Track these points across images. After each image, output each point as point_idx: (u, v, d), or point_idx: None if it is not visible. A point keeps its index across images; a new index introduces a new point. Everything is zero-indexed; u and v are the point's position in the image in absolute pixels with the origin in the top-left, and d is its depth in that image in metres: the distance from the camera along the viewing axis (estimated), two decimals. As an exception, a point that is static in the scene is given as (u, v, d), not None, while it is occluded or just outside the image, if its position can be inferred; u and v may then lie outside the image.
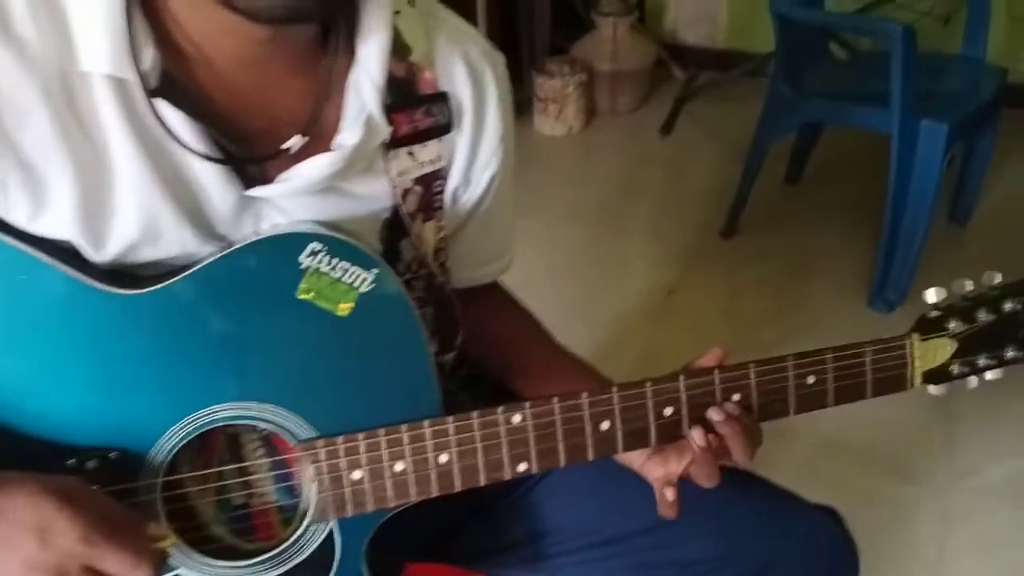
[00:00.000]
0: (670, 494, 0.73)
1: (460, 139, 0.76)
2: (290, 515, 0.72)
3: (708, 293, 2.16)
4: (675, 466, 0.73)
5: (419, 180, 0.75)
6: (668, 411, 0.72)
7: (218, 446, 0.70)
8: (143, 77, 0.58)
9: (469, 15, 2.62)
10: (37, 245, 0.61)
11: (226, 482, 0.71)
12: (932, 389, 0.76)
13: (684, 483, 0.79)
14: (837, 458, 1.67)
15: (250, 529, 0.71)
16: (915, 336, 0.73)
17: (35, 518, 0.56)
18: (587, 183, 2.64)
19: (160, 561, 0.60)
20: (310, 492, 0.68)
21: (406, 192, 0.74)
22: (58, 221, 0.61)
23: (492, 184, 0.80)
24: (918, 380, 0.75)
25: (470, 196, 0.80)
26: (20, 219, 0.60)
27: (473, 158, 0.77)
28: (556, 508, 0.85)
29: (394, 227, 0.75)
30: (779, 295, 2.10)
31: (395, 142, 0.71)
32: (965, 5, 2.16)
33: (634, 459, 0.77)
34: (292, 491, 0.72)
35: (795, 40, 2.07)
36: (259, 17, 0.55)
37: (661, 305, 2.11)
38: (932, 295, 0.74)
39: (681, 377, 0.72)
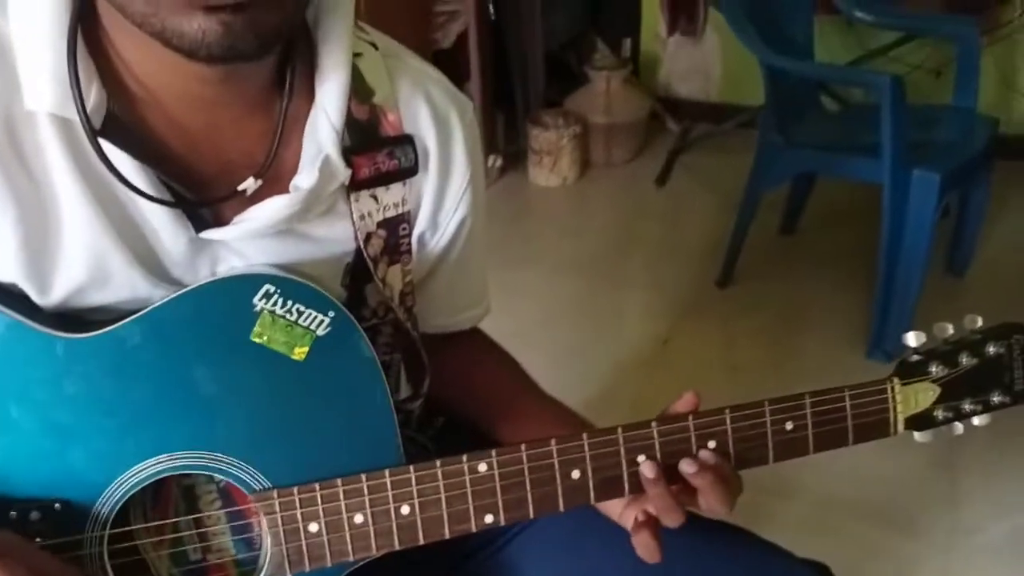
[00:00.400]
0: (645, 537, 0.69)
1: (426, 182, 0.75)
2: (248, 570, 0.69)
3: (703, 342, 2.13)
4: (652, 507, 0.70)
5: (383, 224, 0.73)
6: (641, 458, 0.69)
7: (172, 497, 0.68)
8: (87, 117, 0.57)
9: (463, 68, 2.65)
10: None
11: (181, 534, 0.68)
12: (917, 436, 0.73)
13: (665, 536, 0.75)
14: (839, 513, 1.62)
15: (206, 584, 0.68)
16: (896, 380, 0.71)
17: None
18: (582, 234, 2.64)
19: None
20: (266, 544, 0.65)
21: (369, 235, 0.73)
22: (1, 264, 0.59)
23: (462, 229, 0.78)
24: (901, 426, 0.72)
25: (438, 241, 0.78)
26: None
27: (440, 202, 0.76)
28: (535, 563, 0.81)
29: (357, 271, 0.74)
30: (776, 345, 2.07)
31: (356, 184, 0.70)
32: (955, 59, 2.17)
33: (612, 509, 0.74)
34: (250, 545, 0.69)
35: (785, 92, 2.08)
36: (197, 56, 0.53)
37: (656, 354, 2.08)
38: (912, 339, 0.71)
39: (654, 423, 0.70)
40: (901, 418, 0.71)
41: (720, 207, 2.62)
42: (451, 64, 2.60)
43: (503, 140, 2.92)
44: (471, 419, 0.85)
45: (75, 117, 0.57)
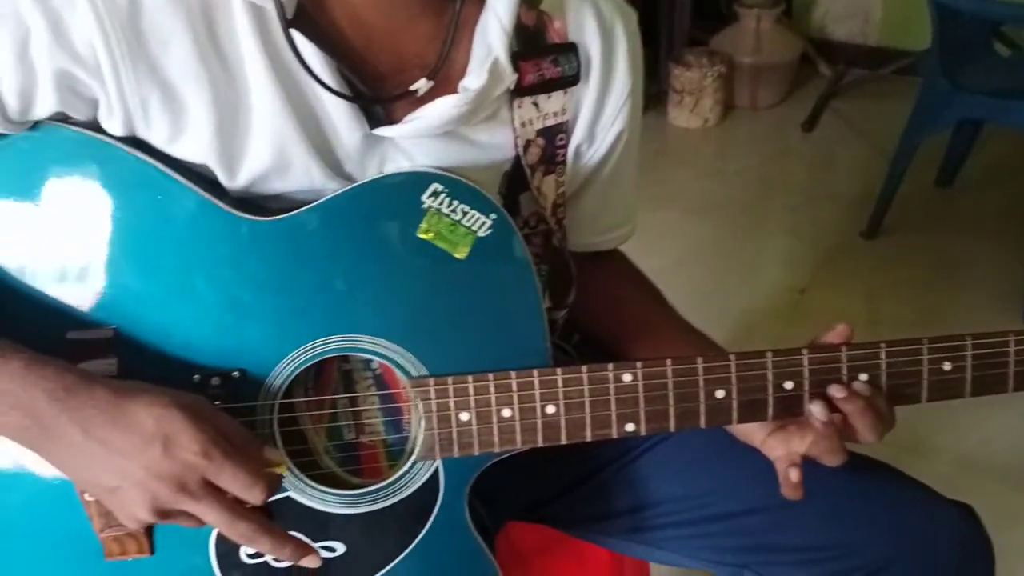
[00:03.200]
0: (794, 475, 0.69)
1: (586, 93, 0.75)
2: (396, 458, 0.73)
3: (843, 294, 2.05)
4: (798, 445, 0.70)
5: (542, 132, 0.74)
6: (789, 384, 0.69)
7: (332, 380, 0.72)
8: (281, 6, 0.60)
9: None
10: (174, 167, 0.64)
11: (338, 411, 0.72)
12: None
13: (806, 464, 0.75)
14: (974, 475, 1.55)
15: (357, 463, 0.73)
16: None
17: (162, 428, 0.58)
18: (721, 176, 2.57)
19: (274, 485, 0.61)
20: (418, 429, 0.69)
21: (528, 143, 0.74)
22: (195, 145, 0.63)
23: (618, 143, 0.78)
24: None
25: (594, 154, 0.78)
26: (159, 141, 0.63)
27: (599, 113, 0.76)
28: (664, 480, 0.82)
29: (514, 179, 0.75)
30: (922, 301, 1.97)
31: (520, 91, 0.71)
32: None
33: (754, 435, 0.74)
34: (400, 431, 0.73)
35: (956, 33, 1.94)
36: None
37: (792, 304, 2.03)
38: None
39: (804, 351, 0.69)
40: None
41: (871, 156, 2.50)
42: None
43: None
44: (608, 337, 0.86)
45: (269, 5, 0.60)
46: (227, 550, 0.69)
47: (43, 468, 0.65)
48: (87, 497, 0.65)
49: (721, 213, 2.36)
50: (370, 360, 0.72)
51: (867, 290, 2.05)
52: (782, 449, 0.70)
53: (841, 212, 2.30)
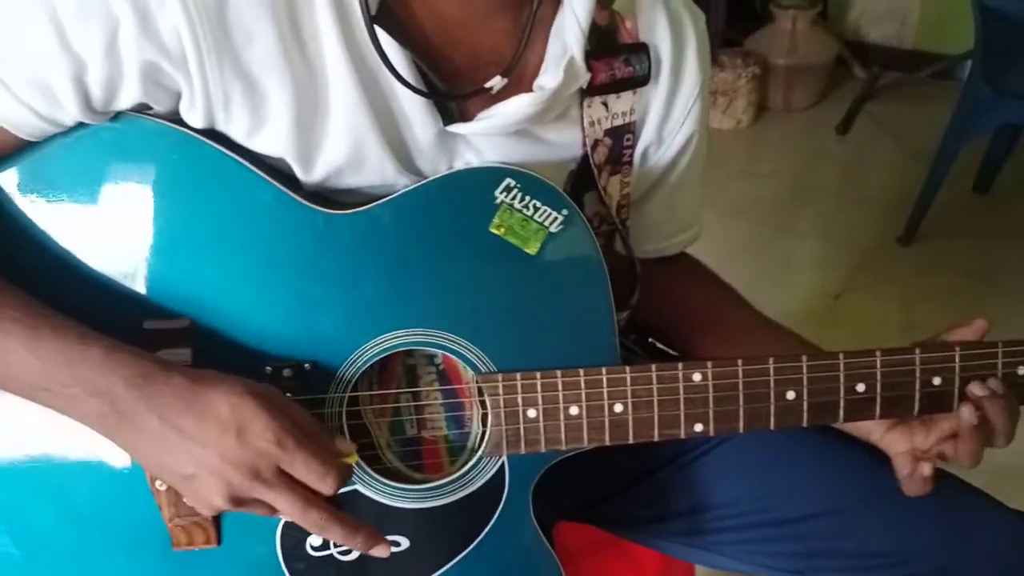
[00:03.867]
0: (927, 469, 0.69)
1: (655, 94, 0.75)
2: (457, 453, 0.74)
3: (878, 300, 2.04)
4: (922, 441, 0.70)
5: (610, 132, 0.74)
6: (860, 387, 0.68)
7: (396, 374, 0.72)
8: (365, 2, 0.60)
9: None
10: (252, 161, 0.64)
11: (400, 405, 0.73)
12: None
13: (860, 470, 0.75)
14: (1012, 484, 1.54)
15: (418, 457, 0.73)
16: None
17: (237, 416, 0.58)
18: (754, 178, 2.55)
19: (346, 475, 0.62)
20: (486, 425, 0.69)
21: (596, 143, 0.74)
22: (274, 139, 0.64)
23: (687, 146, 0.78)
24: None
25: (661, 157, 0.78)
26: (239, 134, 0.64)
27: (668, 114, 0.76)
28: (723, 483, 0.82)
29: (581, 178, 0.75)
30: (959, 308, 1.95)
31: (591, 90, 0.71)
32: None
33: (872, 430, 0.74)
34: (462, 427, 0.73)
35: (999, 36, 1.92)
36: None
37: (826, 309, 2.01)
38: None
39: (877, 352, 0.68)
40: None
41: (907, 160, 2.48)
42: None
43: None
44: (675, 335, 0.85)
45: (354, 2, 0.60)
46: (293, 542, 0.69)
47: (113, 457, 0.66)
48: (158, 486, 0.66)
49: (754, 215, 2.34)
50: (434, 355, 0.72)
51: (903, 295, 2.03)
52: (904, 445, 0.71)
53: (876, 216, 2.29)
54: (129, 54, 0.58)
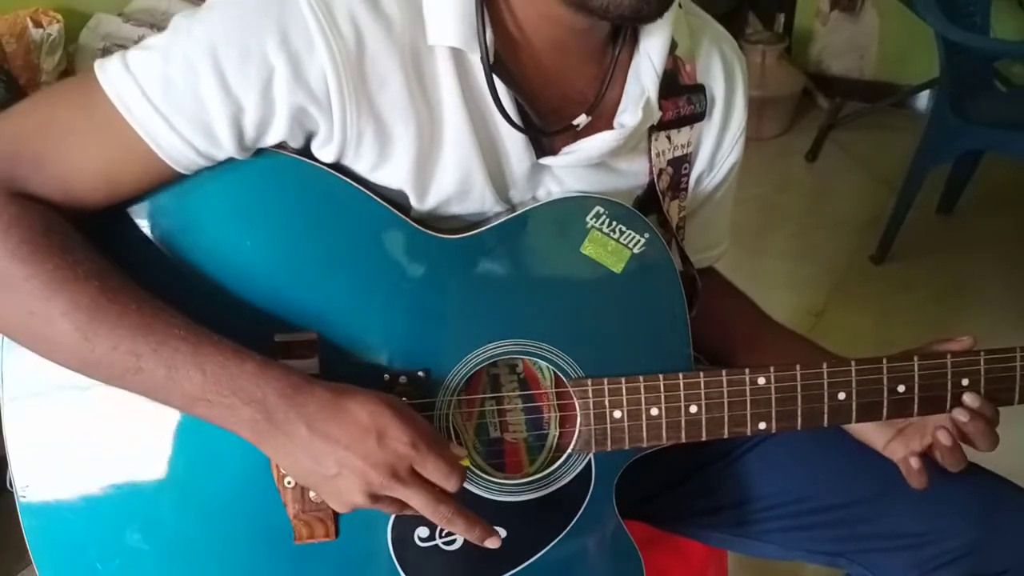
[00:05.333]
0: (915, 463, 0.78)
1: (708, 128, 0.84)
2: (535, 454, 0.81)
3: (858, 316, 2.16)
4: (916, 444, 0.79)
5: (671, 162, 0.83)
6: (901, 388, 0.78)
7: (482, 383, 0.80)
8: (487, 54, 0.68)
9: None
10: (374, 192, 0.72)
11: (486, 409, 0.80)
12: None
13: (886, 462, 0.83)
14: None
15: (501, 457, 0.80)
16: None
17: (375, 422, 0.65)
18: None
19: (464, 475, 0.68)
20: (563, 427, 0.76)
21: (660, 172, 0.83)
22: (395, 173, 0.71)
23: (731, 171, 0.88)
24: None
25: (711, 181, 0.88)
26: (364, 169, 0.71)
27: (719, 145, 0.86)
28: (768, 476, 0.90)
29: (645, 203, 0.84)
30: (932, 323, 2.09)
31: (659, 125, 0.80)
32: None
33: (876, 440, 0.83)
34: (539, 429, 0.81)
35: (961, 69, 2.07)
36: (607, 15, 0.64)
37: (809, 326, 2.13)
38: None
39: (915, 357, 0.78)
40: None
41: (872, 184, 2.63)
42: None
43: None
44: (715, 348, 0.94)
45: (475, 51, 0.68)
46: (402, 534, 0.76)
47: (240, 459, 0.72)
48: (286, 483, 0.72)
49: (734, 240, 2.45)
50: (516, 364, 0.80)
51: (880, 311, 2.16)
52: (902, 452, 0.80)
53: (848, 238, 2.43)
54: (281, 98, 0.65)
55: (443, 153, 0.72)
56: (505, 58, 0.72)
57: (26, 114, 0.67)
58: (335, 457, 0.65)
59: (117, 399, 0.70)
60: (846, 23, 3.15)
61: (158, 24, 1.75)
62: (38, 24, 1.61)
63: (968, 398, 0.77)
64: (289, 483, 0.72)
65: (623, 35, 0.76)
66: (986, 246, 2.34)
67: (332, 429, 0.65)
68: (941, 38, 2.02)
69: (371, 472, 0.65)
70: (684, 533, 0.97)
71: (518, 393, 0.81)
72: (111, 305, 0.64)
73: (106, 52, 1.69)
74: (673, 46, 0.79)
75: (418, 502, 0.67)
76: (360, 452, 0.65)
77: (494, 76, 0.69)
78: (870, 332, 2.11)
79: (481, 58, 0.68)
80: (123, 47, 1.85)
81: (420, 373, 0.73)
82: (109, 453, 0.72)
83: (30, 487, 0.71)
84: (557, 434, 0.81)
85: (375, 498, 0.66)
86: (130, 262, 0.67)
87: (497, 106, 0.70)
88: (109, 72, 0.65)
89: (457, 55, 0.69)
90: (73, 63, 1.70)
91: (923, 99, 3.07)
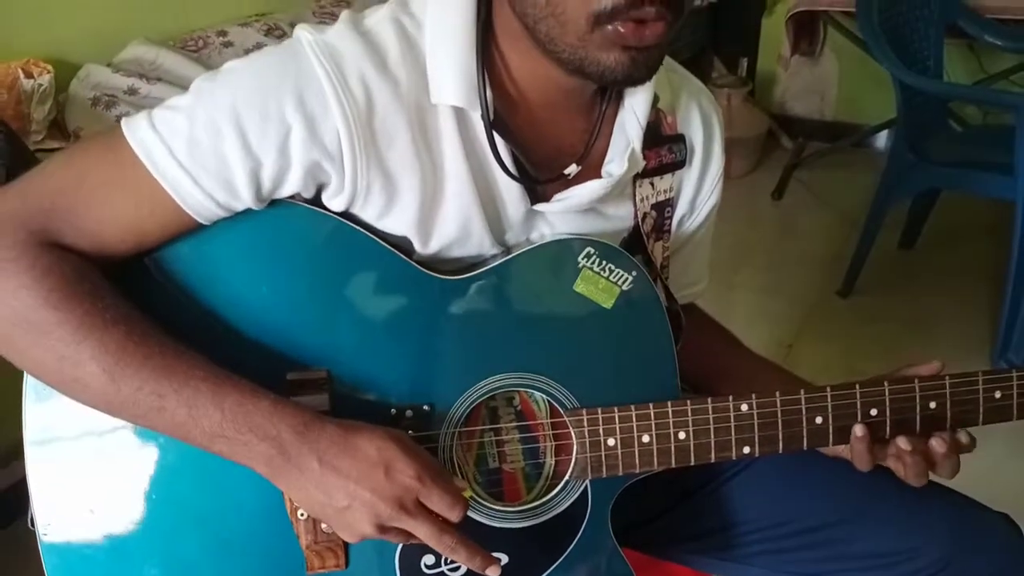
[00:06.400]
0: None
1: (688, 174, 0.91)
2: (532, 482, 0.85)
3: (827, 349, 2.24)
4: (880, 458, 0.84)
5: (655, 206, 0.89)
6: (873, 411, 0.83)
7: (480, 416, 0.84)
8: (488, 113, 0.74)
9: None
10: (380, 237, 0.76)
11: (485, 440, 0.84)
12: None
13: (880, 481, 0.88)
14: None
15: (500, 485, 0.84)
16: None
17: (383, 456, 0.69)
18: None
19: (466, 506, 0.72)
20: (558, 456, 0.81)
21: (644, 215, 0.89)
22: (400, 221, 0.76)
23: (711, 214, 0.94)
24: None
25: (692, 223, 0.94)
26: (370, 217, 0.76)
27: (699, 190, 0.92)
28: (751, 501, 0.95)
29: (631, 245, 0.90)
30: (899, 352, 2.17)
31: (643, 173, 0.86)
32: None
33: (843, 453, 0.87)
34: (535, 458, 0.85)
35: (917, 111, 2.18)
36: (603, 80, 0.69)
37: (781, 358, 2.20)
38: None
39: (886, 383, 0.84)
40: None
41: (837, 220, 2.73)
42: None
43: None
44: (694, 380, 1.00)
45: (476, 109, 0.74)
46: (409, 562, 0.79)
47: (255, 493, 0.75)
48: (299, 515, 0.76)
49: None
50: (513, 398, 0.85)
51: (849, 344, 2.24)
52: (868, 466, 0.85)
53: (815, 272, 2.52)
54: (297, 154, 0.70)
55: (445, 202, 0.77)
56: (502, 114, 0.77)
57: (59, 170, 0.71)
58: (346, 490, 0.69)
59: (134, 440, 0.73)
60: (806, 67, 3.29)
61: (147, 74, 1.79)
62: (29, 75, 1.65)
63: (901, 441, 0.81)
64: (302, 515, 0.76)
65: (610, 92, 0.82)
66: (946, 278, 2.44)
67: (342, 464, 0.69)
68: (897, 81, 2.13)
69: (380, 504, 0.69)
70: (671, 559, 1.01)
71: (515, 424, 0.85)
72: (137, 349, 0.68)
73: (96, 102, 1.73)
74: (655, 100, 0.85)
75: (423, 532, 0.70)
76: (369, 485, 0.69)
77: (496, 135, 0.75)
78: (839, 362, 2.18)
79: (482, 115, 0.74)
80: (113, 96, 1.89)
81: (425, 407, 0.78)
82: (127, 492, 0.75)
83: (52, 526, 0.74)
84: (553, 463, 0.85)
85: (383, 528, 0.70)
86: (154, 306, 0.71)
87: (496, 159, 0.76)
88: (138, 131, 0.70)
89: (459, 112, 0.75)
90: (63, 113, 1.73)
91: (882, 138, 3.21)
